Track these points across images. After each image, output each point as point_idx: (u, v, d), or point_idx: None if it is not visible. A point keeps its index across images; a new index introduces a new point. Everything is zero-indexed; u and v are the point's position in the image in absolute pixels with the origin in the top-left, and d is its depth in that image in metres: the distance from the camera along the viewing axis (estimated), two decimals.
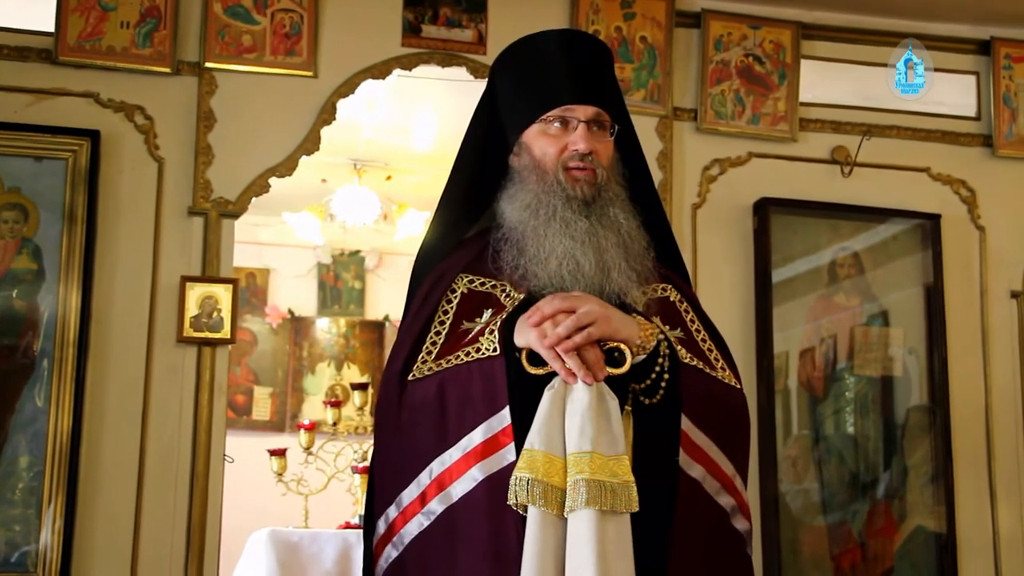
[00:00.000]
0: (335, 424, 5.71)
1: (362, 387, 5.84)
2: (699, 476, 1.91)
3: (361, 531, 4.87)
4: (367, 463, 5.46)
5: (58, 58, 3.92)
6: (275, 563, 4.76)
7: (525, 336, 1.86)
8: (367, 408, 5.71)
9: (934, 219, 4.54)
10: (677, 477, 1.87)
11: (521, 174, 2.05)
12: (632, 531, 1.78)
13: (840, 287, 4.50)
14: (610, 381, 1.85)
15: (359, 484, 5.47)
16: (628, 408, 1.88)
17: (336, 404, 5.78)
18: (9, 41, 3.93)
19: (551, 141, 2.03)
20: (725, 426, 1.98)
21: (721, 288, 4.31)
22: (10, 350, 3.74)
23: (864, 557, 4.32)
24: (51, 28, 3.93)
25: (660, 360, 1.89)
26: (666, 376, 1.89)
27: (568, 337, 1.83)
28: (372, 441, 2.14)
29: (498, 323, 1.91)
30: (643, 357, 1.88)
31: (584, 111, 2.03)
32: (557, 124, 2.03)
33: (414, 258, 2.20)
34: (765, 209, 4.39)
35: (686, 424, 1.89)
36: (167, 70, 4.00)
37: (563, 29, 2.26)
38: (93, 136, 3.88)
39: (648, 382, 1.89)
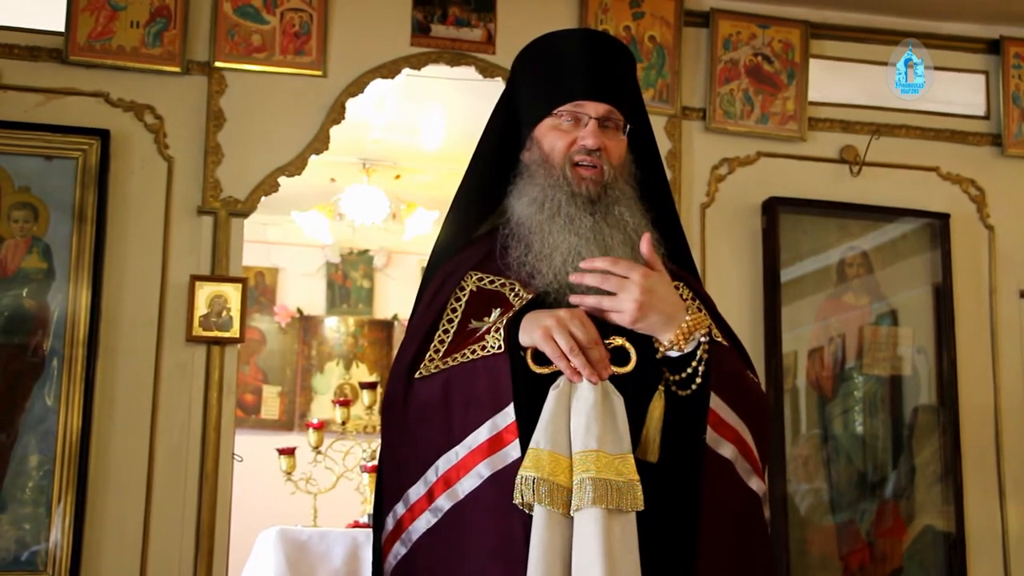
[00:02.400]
0: (344, 423, 5.71)
1: (371, 386, 5.84)
2: (731, 456, 1.91)
3: (370, 530, 4.88)
4: (376, 462, 5.44)
5: (68, 58, 3.93)
6: (284, 562, 4.77)
7: (531, 335, 1.86)
8: (376, 407, 5.70)
9: (943, 218, 4.53)
10: (701, 466, 1.86)
11: (530, 168, 2.06)
12: (659, 521, 1.78)
13: (849, 286, 4.49)
14: (625, 376, 1.85)
15: (368, 483, 5.48)
16: (661, 389, 1.88)
17: (345, 403, 5.79)
18: (19, 41, 3.95)
19: (560, 135, 2.03)
20: (753, 411, 1.98)
21: (730, 287, 4.30)
22: (20, 349, 3.76)
23: (872, 557, 4.32)
24: (61, 28, 3.94)
25: (695, 364, 1.89)
26: (698, 380, 1.89)
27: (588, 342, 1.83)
28: (380, 439, 2.15)
29: (504, 322, 1.91)
30: (677, 355, 1.88)
31: (596, 108, 2.03)
32: (568, 119, 2.04)
33: (423, 257, 2.21)
34: (774, 208, 4.38)
35: (716, 403, 1.88)
36: (177, 70, 4.01)
37: (585, 28, 2.27)
38: (103, 135, 3.89)
39: (682, 376, 1.89)
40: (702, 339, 1.89)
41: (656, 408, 1.87)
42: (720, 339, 1.98)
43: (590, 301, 1.88)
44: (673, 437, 1.86)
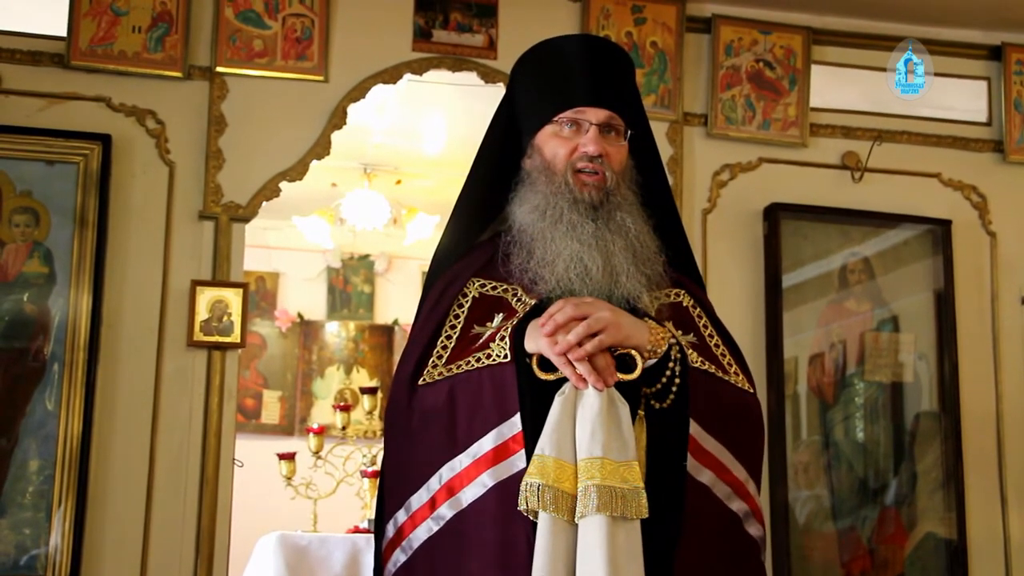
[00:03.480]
0: (344, 428, 5.70)
1: (371, 391, 5.83)
2: (708, 481, 1.91)
3: (369, 535, 4.88)
4: (376, 467, 5.46)
5: (70, 62, 3.93)
6: (284, 567, 4.76)
7: (536, 342, 1.86)
8: (376, 412, 5.70)
9: (945, 225, 4.53)
10: (685, 482, 1.87)
11: (532, 176, 2.05)
12: (642, 537, 1.77)
13: (850, 292, 4.49)
14: (621, 387, 1.84)
15: (368, 488, 5.47)
16: (641, 413, 1.88)
17: (345, 408, 5.78)
18: (22, 45, 3.95)
19: (562, 143, 2.03)
20: (736, 430, 1.98)
21: (731, 293, 4.30)
22: (21, 354, 3.75)
23: (874, 564, 4.31)
24: (63, 33, 3.94)
25: (671, 365, 1.89)
26: (677, 381, 1.89)
27: (579, 344, 1.83)
28: (381, 445, 2.15)
29: (509, 329, 1.91)
30: (654, 361, 1.88)
31: (596, 114, 2.03)
32: (569, 126, 2.04)
33: (424, 262, 2.21)
34: (775, 214, 4.38)
35: (695, 429, 1.89)
36: (178, 74, 4.01)
37: (584, 34, 2.26)
38: (104, 140, 3.89)
39: (659, 386, 1.89)
40: (672, 341, 1.90)
41: (639, 434, 1.86)
42: (701, 363, 1.97)
43: (571, 338, 1.84)
44: (656, 462, 1.86)
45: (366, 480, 5.51)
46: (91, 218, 3.83)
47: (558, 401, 1.81)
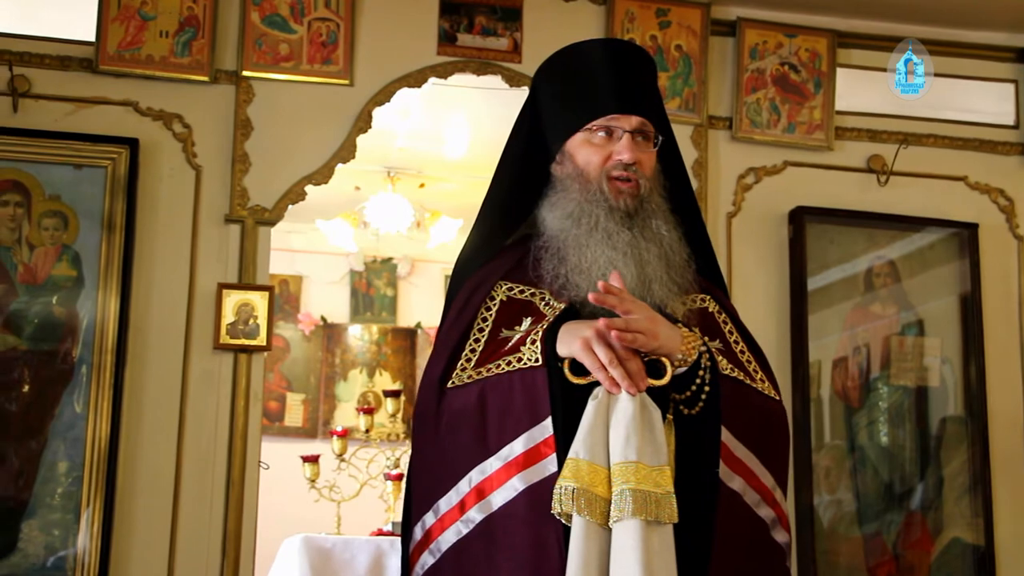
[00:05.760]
0: (367, 431, 5.72)
1: (394, 394, 5.85)
2: (739, 488, 1.91)
3: (393, 538, 4.88)
4: (399, 470, 5.48)
5: (98, 67, 3.96)
6: (308, 569, 4.78)
7: (568, 346, 1.86)
8: (399, 415, 5.72)
9: (971, 228, 4.50)
10: (717, 488, 1.87)
11: (564, 182, 2.05)
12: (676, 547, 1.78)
13: (876, 296, 4.47)
14: (649, 392, 1.85)
15: (391, 491, 5.48)
16: (670, 418, 1.88)
17: (368, 411, 5.79)
18: (50, 50, 3.98)
19: (595, 150, 2.03)
20: (764, 438, 1.98)
21: (756, 296, 4.29)
22: (50, 356, 3.78)
23: (899, 569, 4.29)
24: (92, 37, 3.97)
25: (701, 373, 1.89)
26: (707, 389, 1.89)
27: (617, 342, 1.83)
28: (405, 448, 2.15)
29: (540, 333, 1.91)
30: (684, 369, 1.88)
31: (629, 121, 2.03)
32: (602, 133, 2.04)
33: (447, 265, 2.21)
34: (800, 218, 4.37)
35: (726, 436, 1.89)
36: (205, 79, 4.03)
37: (608, 39, 2.26)
38: (132, 144, 3.91)
39: (689, 393, 1.89)
40: (703, 348, 1.90)
41: (668, 439, 1.86)
42: (729, 370, 1.97)
43: (620, 323, 1.85)
44: (685, 467, 1.87)
45: (389, 483, 5.52)
46: (119, 221, 3.86)
47: (591, 405, 1.82)
